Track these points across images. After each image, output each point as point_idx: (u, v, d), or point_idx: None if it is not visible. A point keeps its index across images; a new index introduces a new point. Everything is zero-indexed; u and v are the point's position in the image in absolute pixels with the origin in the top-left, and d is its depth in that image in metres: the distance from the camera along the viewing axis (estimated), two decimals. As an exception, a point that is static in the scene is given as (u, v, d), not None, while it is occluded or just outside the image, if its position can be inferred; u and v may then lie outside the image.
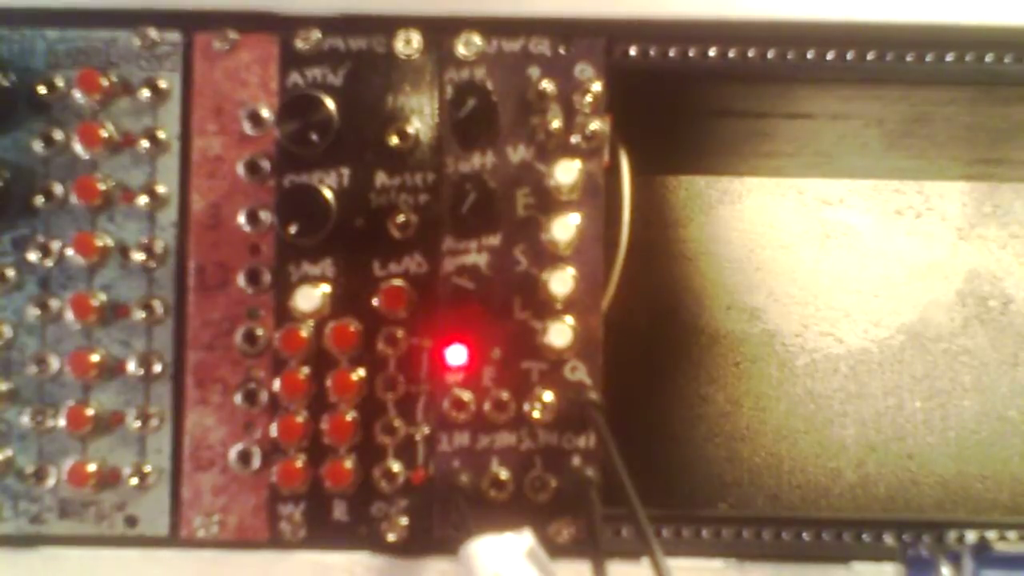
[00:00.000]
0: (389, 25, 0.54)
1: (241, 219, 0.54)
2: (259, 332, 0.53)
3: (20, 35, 0.54)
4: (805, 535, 0.53)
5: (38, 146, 0.54)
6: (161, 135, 0.54)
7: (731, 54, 0.54)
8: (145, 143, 0.54)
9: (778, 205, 0.73)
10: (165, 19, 0.54)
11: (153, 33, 0.54)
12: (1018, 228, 0.73)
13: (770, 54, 0.54)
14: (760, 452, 0.71)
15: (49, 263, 0.54)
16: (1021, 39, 0.54)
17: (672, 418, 0.71)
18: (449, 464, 0.53)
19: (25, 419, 0.53)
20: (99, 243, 0.53)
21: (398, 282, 0.53)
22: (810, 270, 0.73)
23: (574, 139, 0.53)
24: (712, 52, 0.54)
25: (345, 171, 0.53)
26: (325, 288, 0.53)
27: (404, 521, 0.53)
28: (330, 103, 0.53)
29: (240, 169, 0.54)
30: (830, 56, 0.54)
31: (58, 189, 0.54)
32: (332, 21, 0.54)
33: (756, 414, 0.71)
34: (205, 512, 0.53)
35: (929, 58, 0.54)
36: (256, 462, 0.53)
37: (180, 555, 0.53)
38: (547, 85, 0.53)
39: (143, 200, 0.54)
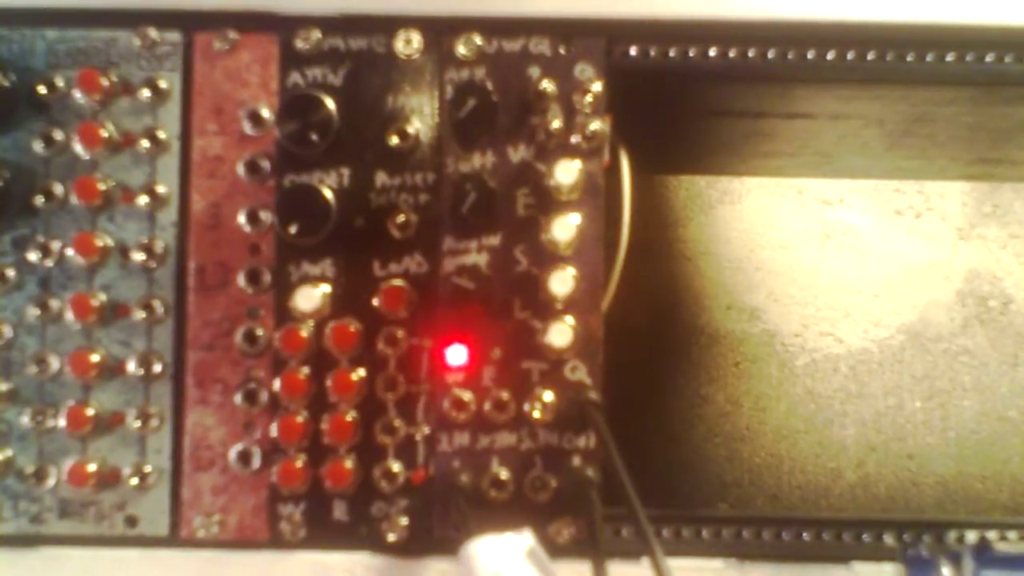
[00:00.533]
0: (389, 25, 0.54)
1: (241, 219, 0.54)
2: (259, 332, 0.53)
3: (20, 35, 0.54)
4: (805, 535, 0.53)
5: (38, 146, 0.54)
6: (161, 135, 0.54)
7: (731, 54, 0.54)
8: (145, 143, 0.54)
9: (778, 205, 0.73)
10: (165, 19, 0.54)
11: (153, 33, 0.54)
12: (1018, 228, 0.73)
13: (770, 54, 0.54)
14: (760, 452, 0.71)
15: (49, 263, 0.54)
16: (1021, 39, 0.54)
17: (672, 418, 0.71)
18: (449, 464, 0.53)
19: (25, 419, 0.53)
20: (99, 243, 0.53)
21: (398, 282, 0.53)
22: (810, 270, 0.73)
23: (574, 139, 0.53)
24: (712, 52, 0.54)
25: (345, 171, 0.53)
26: (325, 288, 0.53)
27: (404, 521, 0.53)
28: (330, 103, 0.53)
29: (240, 169, 0.54)
30: (830, 56, 0.54)
31: (58, 189, 0.54)
32: (332, 21, 0.54)
33: (756, 414, 0.71)
34: (205, 512, 0.53)
35: (929, 58, 0.54)
36: (256, 462, 0.53)
37: (180, 555, 0.53)
38: (547, 85, 0.53)
39: (143, 200, 0.54)
